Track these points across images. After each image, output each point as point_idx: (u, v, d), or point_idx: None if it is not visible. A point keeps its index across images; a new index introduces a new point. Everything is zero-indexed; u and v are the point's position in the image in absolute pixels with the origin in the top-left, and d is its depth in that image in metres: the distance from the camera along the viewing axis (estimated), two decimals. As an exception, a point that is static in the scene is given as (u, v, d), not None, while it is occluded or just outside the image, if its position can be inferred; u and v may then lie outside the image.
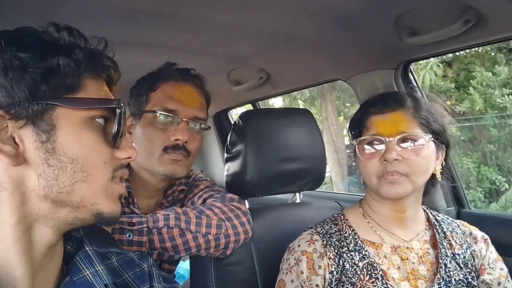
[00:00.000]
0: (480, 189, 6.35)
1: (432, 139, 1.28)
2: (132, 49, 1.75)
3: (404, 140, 1.25)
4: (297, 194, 1.83)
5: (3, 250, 0.71)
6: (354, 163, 1.41)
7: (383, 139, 1.25)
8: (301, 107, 8.39)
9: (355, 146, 1.35)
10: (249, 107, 2.89)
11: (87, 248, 0.85)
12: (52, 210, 0.73)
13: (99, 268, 0.83)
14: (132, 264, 0.96)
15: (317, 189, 1.82)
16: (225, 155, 1.70)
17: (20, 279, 0.72)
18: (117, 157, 0.80)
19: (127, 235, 1.24)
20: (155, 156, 1.42)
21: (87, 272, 0.82)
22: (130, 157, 0.81)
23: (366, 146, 1.30)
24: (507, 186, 6.16)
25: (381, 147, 1.26)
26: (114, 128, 0.77)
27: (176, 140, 1.42)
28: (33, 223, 0.72)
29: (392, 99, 1.33)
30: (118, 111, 0.78)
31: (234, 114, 3.09)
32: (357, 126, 1.36)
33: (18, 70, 0.70)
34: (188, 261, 1.62)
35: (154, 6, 1.38)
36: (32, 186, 0.71)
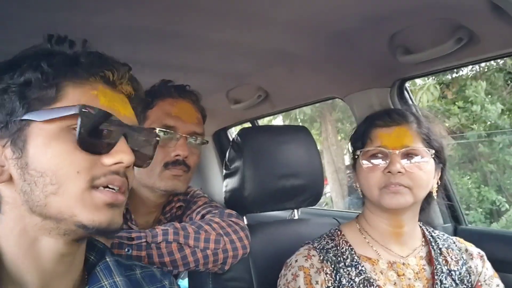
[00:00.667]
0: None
1: (433, 156, 1.31)
2: (132, 68, 1.77)
3: (408, 154, 1.27)
4: (295, 210, 1.83)
5: (13, 258, 0.74)
6: (354, 183, 1.42)
7: (387, 151, 1.27)
8: (301, 127, 8.37)
9: (356, 157, 1.36)
10: (248, 125, 2.91)
11: (107, 259, 0.87)
12: (44, 223, 0.74)
13: (117, 279, 0.84)
14: (153, 279, 0.97)
15: (316, 207, 1.83)
16: (224, 171, 1.72)
17: (30, 285, 0.74)
18: (104, 163, 0.75)
19: (126, 249, 1.24)
20: (156, 172, 1.43)
21: (105, 282, 0.83)
22: (120, 162, 0.76)
23: (369, 158, 1.32)
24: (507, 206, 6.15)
25: (384, 159, 1.28)
26: (82, 134, 0.73)
27: (177, 155, 1.43)
28: (38, 233, 0.74)
29: (397, 114, 1.36)
30: (81, 117, 0.73)
31: (234, 133, 3.10)
32: (360, 138, 1.37)
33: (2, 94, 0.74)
34: (187, 279, 1.62)
35: (153, 24, 1.41)
36: (20, 201, 0.74)
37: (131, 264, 0.97)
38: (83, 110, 0.72)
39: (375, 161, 1.30)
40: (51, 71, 0.75)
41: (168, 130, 1.44)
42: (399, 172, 1.24)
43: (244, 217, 1.69)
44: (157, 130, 1.43)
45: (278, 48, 1.67)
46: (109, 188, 0.75)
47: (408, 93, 1.84)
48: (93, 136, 0.74)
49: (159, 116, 1.46)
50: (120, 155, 0.75)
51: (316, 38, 1.55)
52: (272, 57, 1.77)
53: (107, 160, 0.75)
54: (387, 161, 1.27)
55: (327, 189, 8.80)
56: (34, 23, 1.32)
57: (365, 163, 1.32)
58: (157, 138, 0.90)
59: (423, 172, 1.28)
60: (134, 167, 0.84)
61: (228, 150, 1.69)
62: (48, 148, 0.72)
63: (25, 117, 0.73)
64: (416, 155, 1.29)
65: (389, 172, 1.25)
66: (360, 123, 1.45)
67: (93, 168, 0.74)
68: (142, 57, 1.73)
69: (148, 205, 1.52)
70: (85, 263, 0.89)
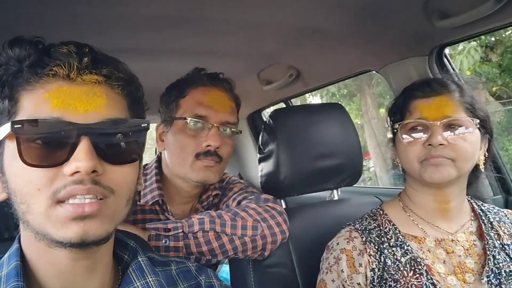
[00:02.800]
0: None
1: (478, 126, 1.24)
2: (160, 57, 1.77)
3: (450, 125, 1.21)
4: (335, 191, 1.80)
5: (36, 264, 0.75)
6: (395, 159, 1.37)
7: (427, 123, 1.21)
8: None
9: (395, 131, 1.31)
10: (282, 106, 2.87)
11: (140, 259, 0.86)
12: (38, 236, 0.71)
13: (150, 279, 0.83)
14: (188, 275, 0.95)
15: (359, 185, 1.78)
16: (258, 155, 1.69)
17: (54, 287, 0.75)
18: (64, 173, 0.68)
19: (164, 241, 1.24)
20: (188, 162, 1.41)
21: (138, 284, 0.82)
22: (77, 171, 0.67)
23: (409, 131, 1.26)
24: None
25: (425, 132, 1.22)
26: (25, 151, 0.67)
27: (208, 146, 1.41)
28: (43, 243, 0.72)
29: (437, 83, 1.29)
30: (15, 135, 0.67)
31: (268, 114, 3.07)
32: (399, 111, 1.32)
33: None
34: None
35: (177, 10, 1.39)
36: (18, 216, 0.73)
37: (166, 260, 0.95)
38: (16, 126, 0.67)
39: (415, 135, 1.25)
40: (7, 77, 0.71)
41: (199, 120, 1.42)
42: (441, 144, 1.18)
43: (282, 201, 1.66)
44: (188, 120, 1.40)
45: (306, 25, 1.62)
46: (77, 198, 0.68)
47: (448, 60, 1.74)
48: (43, 149, 0.68)
49: (191, 105, 1.44)
50: (73, 164, 0.67)
51: (345, 11, 1.49)
52: (301, 35, 1.72)
53: (65, 169, 0.68)
54: (428, 134, 1.21)
55: (370, 163, 8.68)
56: (58, 20, 1.32)
57: (405, 137, 1.26)
58: (143, 125, 0.79)
59: (468, 143, 1.21)
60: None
61: (261, 134, 1.66)
62: (12, 167, 0.69)
63: None
64: (459, 125, 1.22)
65: (429, 145, 1.20)
66: (398, 95, 1.38)
67: (54, 182, 0.68)
68: (169, 46, 1.73)
69: (183, 195, 1.51)
70: (120, 262, 0.88)
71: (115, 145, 0.74)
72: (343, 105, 1.88)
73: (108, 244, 0.80)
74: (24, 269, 0.74)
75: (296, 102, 2.88)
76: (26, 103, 0.70)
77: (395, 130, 1.31)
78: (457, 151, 1.20)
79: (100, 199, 0.70)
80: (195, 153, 1.41)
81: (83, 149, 0.68)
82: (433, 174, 1.20)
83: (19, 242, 0.77)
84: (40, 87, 0.71)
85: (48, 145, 0.68)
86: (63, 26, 1.34)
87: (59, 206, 0.68)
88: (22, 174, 0.68)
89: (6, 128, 0.68)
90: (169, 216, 1.44)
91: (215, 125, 1.42)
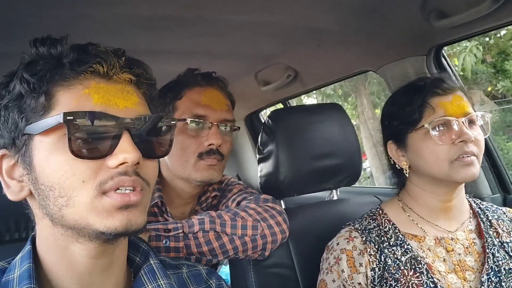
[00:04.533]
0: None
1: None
2: (157, 58, 1.76)
3: (470, 121, 1.23)
4: (334, 191, 1.79)
5: (50, 264, 0.76)
6: (396, 163, 1.35)
7: (456, 120, 1.21)
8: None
9: (411, 132, 1.27)
10: (280, 107, 2.87)
11: (151, 261, 0.86)
12: (68, 232, 0.73)
13: (161, 282, 0.83)
14: (199, 278, 0.96)
15: (357, 185, 1.78)
16: (257, 156, 1.69)
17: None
18: (109, 165, 0.70)
19: (164, 241, 1.24)
20: (190, 163, 1.41)
21: (149, 286, 0.82)
22: (124, 162, 0.70)
23: (433, 130, 1.23)
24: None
25: (450, 129, 1.21)
26: (74, 143, 0.68)
27: (210, 145, 1.41)
28: (66, 241, 0.73)
29: (449, 80, 1.30)
30: (67, 126, 0.68)
31: (265, 115, 3.07)
32: (416, 110, 1.26)
33: (2, 110, 0.74)
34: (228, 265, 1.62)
35: (174, 11, 1.39)
36: (42, 214, 0.74)
37: (177, 263, 0.96)
38: (68, 118, 0.68)
39: (442, 134, 1.22)
40: (35, 80, 0.71)
41: (199, 120, 1.42)
42: (472, 140, 1.19)
43: (282, 201, 1.66)
44: (188, 120, 1.40)
45: (304, 25, 1.62)
46: (120, 189, 0.71)
47: (446, 60, 1.74)
48: (89, 141, 0.70)
49: (189, 106, 1.44)
50: (123, 154, 0.70)
51: (343, 11, 1.49)
52: (298, 35, 1.71)
53: (111, 162, 0.70)
54: (454, 131, 1.20)
55: (366, 164, 8.67)
56: (55, 20, 1.32)
57: (430, 136, 1.22)
58: (173, 122, 0.83)
59: (482, 138, 1.24)
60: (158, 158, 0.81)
61: (260, 134, 1.66)
62: (50, 161, 0.70)
63: (25, 131, 0.71)
64: (475, 121, 1.24)
65: (461, 141, 1.19)
66: (407, 94, 1.33)
67: (99, 174, 0.70)
68: (167, 47, 1.73)
69: (183, 197, 1.51)
70: (132, 264, 0.89)
71: (150, 140, 0.77)
72: (338, 105, 1.87)
73: (124, 242, 0.81)
74: (37, 272, 0.74)
75: (292, 103, 2.87)
76: (63, 98, 0.71)
77: (412, 131, 1.27)
78: (480, 146, 1.22)
79: (140, 190, 0.73)
80: (198, 153, 1.41)
81: (128, 141, 0.71)
82: (466, 174, 1.19)
83: (32, 244, 0.77)
84: (78, 84, 0.72)
85: (93, 137, 0.70)
86: (60, 27, 1.33)
87: (106, 196, 0.70)
88: (64, 167, 0.69)
89: (48, 121, 0.69)
90: (168, 217, 1.44)
91: (214, 123, 1.43)
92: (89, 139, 0.70)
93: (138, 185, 0.72)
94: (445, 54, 1.74)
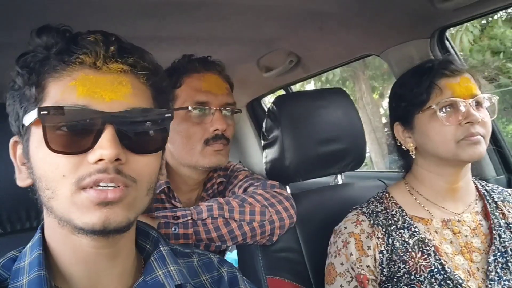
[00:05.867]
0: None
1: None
2: (160, 45, 1.75)
3: (477, 103, 1.24)
4: (339, 175, 1.80)
5: (58, 251, 0.76)
6: (402, 144, 1.35)
7: (464, 101, 1.21)
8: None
9: (418, 113, 1.28)
10: (281, 93, 2.86)
11: (161, 248, 0.86)
12: (61, 223, 0.72)
13: (171, 268, 0.83)
14: (210, 267, 0.95)
15: (359, 170, 1.79)
16: (262, 142, 1.69)
17: (76, 277, 0.76)
18: (89, 161, 0.68)
19: (173, 228, 1.24)
20: (197, 150, 1.41)
21: (160, 272, 0.82)
22: (101, 159, 0.67)
23: (440, 111, 1.24)
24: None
25: (458, 111, 1.22)
26: (50, 137, 0.67)
27: (215, 130, 1.41)
28: (65, 230, 0.72)
29: (457, 62, 1.30)
30: (41, 120, 0.67)
31: (268, 102, 3.06)
32: (424, 91, 1.27)
33: (10, 99, 0.75)
34: (235, 251, 1.62)
35: None
36: (41, 202, 0.74)
37: (188, 251, 0.95)
38: (42, 112, 0.67)
39: (450, 114, 1.23)
40: (25, 72, 0.71)
41: (202, 107, 1.41)
42: (479, 122, 1.20)
43: (287, 187, 1.66)
44: (191, 108, 1.40)
45: (306, 8, 1.60)
46: (100, 186, 0.68)
47: (449, 42, 1.74)
48: (69, 136, 0.68)
49: (189, 93, 1.43)
50: (100, 151, 0.67)
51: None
52: (300, 18, 1.70)
53: (90, 157, 0.68)
54: (461, 112, 1.21)
55: (366, 149, 8.68)
56: (56, 8, 1.31)
57: (437, 116, 1.23)
58: (167, 115, 0.78)
59: (489, 119, 1.25)
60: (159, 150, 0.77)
61: (265, 120, 1.66)
62: (38, 153, 0.70)
63: (23, 121, 0.72)
64: (482, 103, 1.25)
65: (467, 122, 1.20)
66: (416, 76, 1.32)
67: (79, 169, 0.68)
68: (169, 33, 1.71)
69: (189, 183, 1.51)
70: (142, 252, 0.89)
71: (139, 134, 0.74)
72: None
73: (130, 232, 0.80)
74: (47, 258, 0.74)
75: (294, 89, 2.86)
76: (53, 90, 0.71)
77: (419, 112, 1.28)
78: (486, 127, 1.22)
79: (124, 186, 0.70)
80: (204, 139, 1.40)
81: (107, 137, 0.68)
82: (473, 153, 1.20)
83: (42, 232, 0.78)
84: (66, 75, 0.71)
85: (73, 132, 0.68)
86: (62, 15, 1.32)
87: (83, 192, 0.68)
88: (48, 160, 0.68)
89: (33, 114, 0.69)
90: (176, 203, 1.44)
91: (217, 108, 1.42)
92: (68, 134, 0.68)
93: (121, 183, 0.69)
94: (448, 36, 1.73)
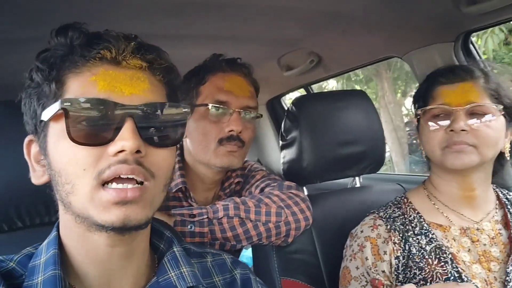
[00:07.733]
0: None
1: (503, 112, 1.22)
2: (183, 43, 1.77)
3: (475, 112, 1.20)
4: (357, 178, 1.79)
5: (72, 250, 0.77)
6: (415, 140, 1.36)
7: (450, 108, 1.20)
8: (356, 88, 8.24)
9: (418, 117, 1.31)
10: (301, 92, 2.85)
11: (174, 249, 0.86)
12: (78, 219, 0.73)
13: (184, 269, 0.83)
14: (223, 268, 0.96)
15: (378, 171, 1.77)
16: (280, 142, 1.69)
17: (91, 276, 0.76)
18: (109, 153, 0.69)
19: (189, 226, 1.26)
20: (211, 149, 1.42)
21: (172, 273, 0.82)
22: (122, 150, 0.69)
23: (432, 118, 1.26)
24: None
25: (447, 118, 1.22)
26: (72, 129, 0.68)
27: (230, 131, 1.41)
28: (81, 228, 0.73)
29: (461, 69, 1.28)
30: (64, 113, 0.68)
31: (288, 100, 3.05)
32: (422, 97, 1.32)
33: (26, 98, 0.76)
34: (250, 249, 1.63)
35: None
36: (58, 199, 0.75)
37: (202, 252, 0.96)
38: (65, 104, 0.68)
39: (439, 121, 1.24)
40: (45, 67, 0.72)
41: (220, 106, 1.42)
42: (463, 130, 1.18)
43: (304, 188, 1.66)
44: (209, 106, 1.41)
45: (330, 10, 1.60)
46: (120, 184, 0.69)
47: (474, 46, 1.71)
48: (90, 128, 0.70)
49: (211, 91, 1.44)
50: (121, 142, 0.68)
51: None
52: (323, 20, 1.69)
53: (111, 149, 0.69)
54: (450, 120, 1.20)
55: (386, 148, 8.58)
56: (82, 7, 1.32)
57: (429, 123, 1.26)
58: (185, 110, 0.80)
59: (491, 129, 1.20)
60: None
61: (284, 120, 1.66)
62: (58, 147, 0.71)
63: (41, 117, 0.73)
64: (484, 112, 1.21)
65: (451, 130, 1.19)
66: (423, 81, 1.37)
67: (100, 162, 0.69)
68: (192, 32, 1.73)
69: (206, 182, 1.52)
70: (157, 251, 0.90)
71: (158, 128, 0.76)
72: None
73: (145, 232, 0.81)
74: (62, 257, 0.75)
75: (314, 87, 2.85)
76: (72, 85, 0.72)
77: (418, 117, 1.31)
78: (479, 137, 1.19)
79: (141, 183, 0.71)
80: (218, 138, 1.41)
81: (128, 129, 0.70)
82: (454, 161, 1.19)
83: (57, 230, 0.79)
84: (87, 70, 0.72)
85: (94, 124, 0.70)
86: (87, 12, 1.34)
87: (103, 190, 0.69)
88: (69, 154, 0.69)
89: (53, 108, 0.70)
90: (192, 202, 1.45)
91: (236, 110, 1.43)
92: (90, 126, 0.70)
93: (141, 174, 0.71)
94: (473, 41, 1.70)
